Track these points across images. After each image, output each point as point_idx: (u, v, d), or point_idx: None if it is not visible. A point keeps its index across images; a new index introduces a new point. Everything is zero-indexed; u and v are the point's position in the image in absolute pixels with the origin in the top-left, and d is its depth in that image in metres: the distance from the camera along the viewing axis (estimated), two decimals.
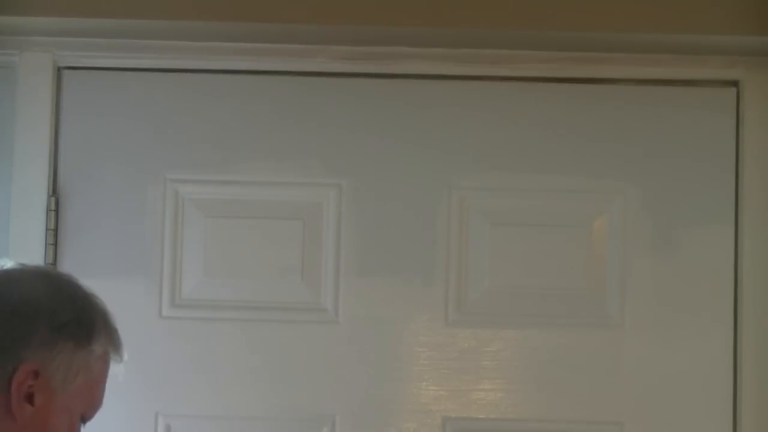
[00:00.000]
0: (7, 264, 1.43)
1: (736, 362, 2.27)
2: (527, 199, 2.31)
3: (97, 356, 1.42)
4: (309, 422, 2.28)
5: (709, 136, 2.31)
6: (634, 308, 2.29)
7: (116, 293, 2.27)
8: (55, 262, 2.26)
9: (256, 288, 2.29)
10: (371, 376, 2.28)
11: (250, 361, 2.28)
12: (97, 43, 2.28)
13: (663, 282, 2.29)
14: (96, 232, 2.28)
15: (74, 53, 2.30)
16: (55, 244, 2.27)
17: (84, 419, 1.44)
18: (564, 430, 2.29)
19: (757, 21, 2.19)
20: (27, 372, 1.33)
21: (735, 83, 2.32)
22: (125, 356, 1.48)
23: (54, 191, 2.29)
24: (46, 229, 2.26)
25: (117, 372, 1.47)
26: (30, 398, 1.34)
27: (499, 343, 2.29)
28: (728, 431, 2.26)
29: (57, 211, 2.28)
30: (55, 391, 1.36)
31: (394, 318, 2.28)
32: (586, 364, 2.28)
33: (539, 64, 2.30)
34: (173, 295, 2.29)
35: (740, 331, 2.27)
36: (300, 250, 2.30)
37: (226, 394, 2.28)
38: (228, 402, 2.28)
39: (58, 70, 2.31)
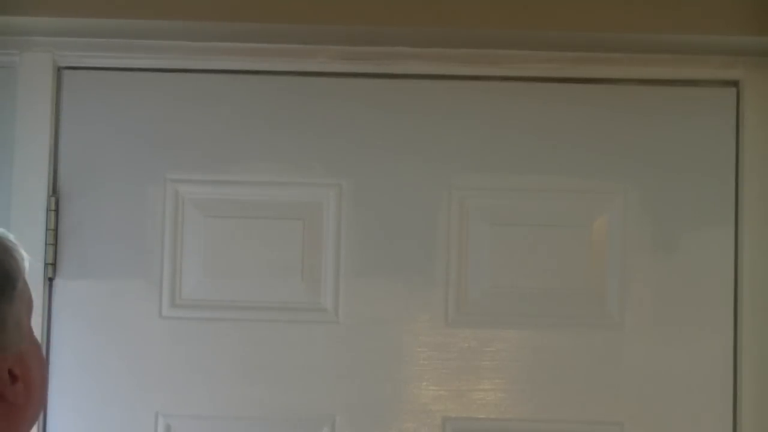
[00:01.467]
0: None
1: (736, 362, 2.27)
2: (527, 199, 2.31)
3: (22, 289, 1.34)
4: (309, 422, 2.29)
5: (709, 136, 2.31)
6: (634, 308, 2.29)
7: (116, 293, 2.29)
8: (55, 262, 2.26)
9: (256, 288, 2.29)
10: (371, 376, 2.28)
11: (250, 361, 2.28)
12: (97, 43, 2.29)
13: (663, 282, 2.29)
14: (96, 232, 2.28)
15: (74, 53, 2.30)
16: (55, 244, 2.27)
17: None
18: (564, 430, 2.29)
19: (757, 21, 2.19)
20: (1, 369, 1.29)
21: (735, 83, 2.32)
22: (27, 256, 1.37)
23: (54, 191, 2.29)
24: (46, 229, 2.26)
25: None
26: (11, 374, 1.30)
27: (499, 343, 2.29)
28: (728, 431, 2.27)
29: (57, 211, 2.28)
30: (21, 348, 1.32)
31: (395, 318, 2.29)
32: (586, 364, 2.28)
33: (539, 64, 2.30)
34: (173, 295, 2.29)
35: (740, 331, 2.27)
36: (300, 250, 2.30)
37: (226, 394, 2.28)
38: (228, 402, 2.28)
39: (58, 70, 2.31)
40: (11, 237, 1.36)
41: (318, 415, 2.28)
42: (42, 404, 1.39)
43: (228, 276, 2.29)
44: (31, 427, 1.37)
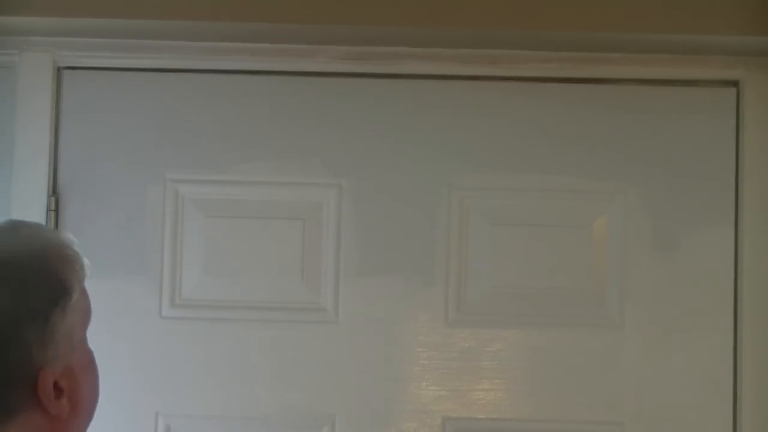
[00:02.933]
0: None
1: (736, 362, 2.27)
2: (527, 199, 2.31)
3: (78, 300, 1.32)
4: (309, 422, 2.29)
5: (709, 136, 2.31)
6: (634, 308, 2.29)
7: (116, 293, 2.29)
8: None
9: (256, 288, 2.29)
10: (371, 376, 2.28)
11: (249, 361, 2.28)
12: (97, 43, 2.29)
13: (663, 282, 2.29)
14: (96, 232, 2.28)
15: (74, 53, 2.30)
16: None
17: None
18: (564, 430, 2.29)
19: (757, 21, 2.19)
20: (44, 382, 1.27)
21: (735, 83, 2.32)
22: (88, 264, 1.35)
23: (54, 191, 2.29)
24: None
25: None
26: (57, 387, 1.28)
27: (499, 343, 2.29)
28: (728, 431, 2.27)
29: (57, 211, 2.28)
30: (70, 360, 1.30)
31: (394, 318, 2.29)
32: (586, 364, 2.28)
33: (539, 64, 2.30)
34: (173, 295, 2.29)
35: (740, 331, 2.27)
36: (300, 250, 2.30)
37: (226, 394, 2.28)
38: (228, 402, 2.28)
39: (58, 70, 2.31)
40: (75, 245, 1.34)
41: (318, 415, 2.28)
42: (91, 417, 1.37)
43: (228, 276, 2.29)
44: None
